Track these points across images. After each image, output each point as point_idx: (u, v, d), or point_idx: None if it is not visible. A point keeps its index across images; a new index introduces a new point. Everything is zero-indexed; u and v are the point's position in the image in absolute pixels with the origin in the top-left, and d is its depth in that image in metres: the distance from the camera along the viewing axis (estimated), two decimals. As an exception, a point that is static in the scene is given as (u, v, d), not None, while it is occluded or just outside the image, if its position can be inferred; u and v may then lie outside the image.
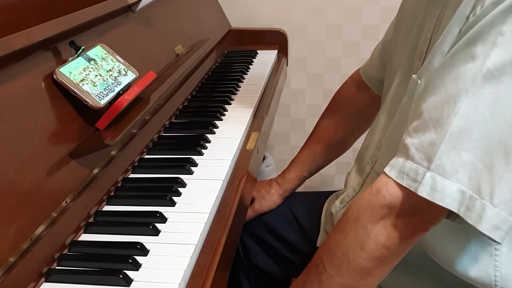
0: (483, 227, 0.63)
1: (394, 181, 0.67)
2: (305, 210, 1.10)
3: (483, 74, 0.62)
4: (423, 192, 0.64)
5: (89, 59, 0.90)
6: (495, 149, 0.62)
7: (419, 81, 0.73)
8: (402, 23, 0.93)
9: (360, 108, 1.14)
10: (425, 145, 0.65)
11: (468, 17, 0.66)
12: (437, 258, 0.80)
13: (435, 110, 0.65)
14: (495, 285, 0.75)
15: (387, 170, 0.69)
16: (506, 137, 0.62)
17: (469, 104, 0.62)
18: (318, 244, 1.04)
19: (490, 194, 0.63)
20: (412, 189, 0.65)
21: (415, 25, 0.85)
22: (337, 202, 0.98)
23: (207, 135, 1.07)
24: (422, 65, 0.81)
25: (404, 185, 0.66)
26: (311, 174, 1.18)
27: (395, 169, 0.68)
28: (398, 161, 0.68)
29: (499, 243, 0.68)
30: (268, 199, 1.13)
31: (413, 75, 0.75)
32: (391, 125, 0.85)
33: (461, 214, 0.63)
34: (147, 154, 1.00)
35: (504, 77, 0.61)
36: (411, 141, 0.67)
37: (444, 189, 0.63)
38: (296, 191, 1.18)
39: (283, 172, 1.18)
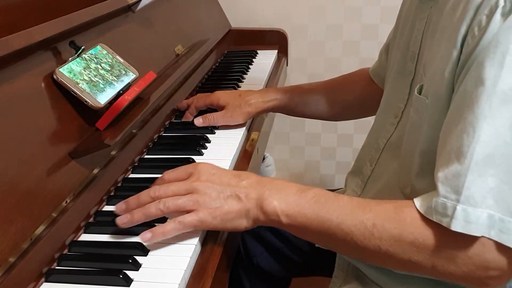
0: None
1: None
2: None
3: (498, 97, 0.60)
4: (457, 226, 0.61)
5: (89, 59, 0.90)
6: None
7: (427, 100, 0.72)
8: (399, 24, 0.93)
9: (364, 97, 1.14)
10: (449, 177, 0.62)
11: (465, 39, 0.65)
12: None
13: (456, 140, 0.63)
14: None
15: (418, 205, 0.66)
16: None
17: (489, 129, 0.61)
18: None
19: None
20: (444, 224, 0.62)
21: (407, 26, 0.85)
22: None
23: (207, 135, 1.06)
24: (415, 68, 0.81)
25: (434, 220, 0.63)
26: (284, 108, 1.18)
27: (424, 205, 0.65)
28: (428, 195, 0.65)
29: None
30: (240, 113, 1.12)
31: (416, 94, 0.74)
32: (402, 135, 0.82)
33: (493, 238, 0.60)
34: (147, 154, 1.00)
35: None
36: (437, 176, 0.64)
37: (478, 219, 0.60)
38: None
39: (264, 91, 1.18)
